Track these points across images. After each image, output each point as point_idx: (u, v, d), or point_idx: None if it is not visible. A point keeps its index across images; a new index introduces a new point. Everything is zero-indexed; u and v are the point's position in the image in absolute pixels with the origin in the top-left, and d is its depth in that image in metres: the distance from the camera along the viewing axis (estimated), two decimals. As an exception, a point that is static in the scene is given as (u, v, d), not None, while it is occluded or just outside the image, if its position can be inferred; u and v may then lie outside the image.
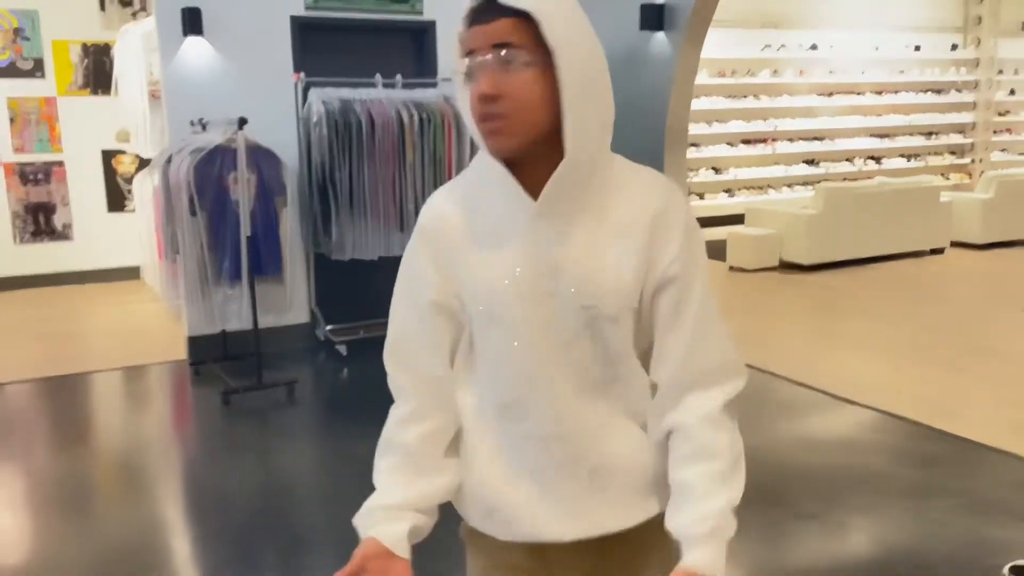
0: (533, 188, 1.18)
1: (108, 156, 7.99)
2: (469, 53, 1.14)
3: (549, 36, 1.10)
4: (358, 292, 6.12)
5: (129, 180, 8.03)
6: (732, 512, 1.18)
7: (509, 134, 1.14)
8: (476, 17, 1.13)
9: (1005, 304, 6.77)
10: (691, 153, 10.40)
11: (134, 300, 7.32)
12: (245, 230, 4.69)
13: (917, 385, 4.84)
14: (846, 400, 4.60)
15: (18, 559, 3.21)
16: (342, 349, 5.60)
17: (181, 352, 5.62)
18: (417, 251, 1.29)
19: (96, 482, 3.93)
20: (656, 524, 1.25)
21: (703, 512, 1.16)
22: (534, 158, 1.17)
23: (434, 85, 5.88)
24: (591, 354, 1.22)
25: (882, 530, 3.18)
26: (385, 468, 1.35)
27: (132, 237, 7.78)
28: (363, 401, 4.83)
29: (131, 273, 7.96)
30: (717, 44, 10.04)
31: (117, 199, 8.10)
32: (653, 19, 5.65)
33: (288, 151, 5.46)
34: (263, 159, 4.93)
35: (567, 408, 1.24)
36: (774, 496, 3.49)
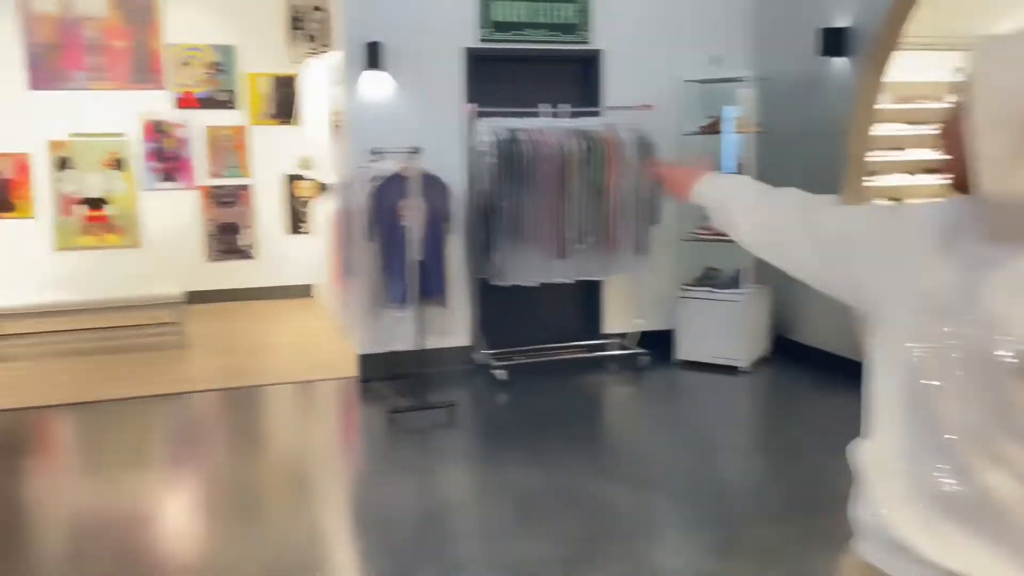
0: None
1: (290, 181, 8.53)
2: None
3: (973, 65, 1.14)
4: (518, 318, 6.19)
5: (307, 204, 8.53)
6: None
7: (947, 168, 1.23)
8: None
9: None
10: (868, 181, 9.85)
11: (307, 317, 7.74)
12: (414, 255, 4.85)
13: None
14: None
15: (190, 557, 3.43)
16: (501, 374, 5.67)
17: (351, 369, 5.88)
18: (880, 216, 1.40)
19: (267, 490, 4.16)
20: None
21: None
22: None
23: (599, 114, 5.89)
24: (985, 411, 1.14)
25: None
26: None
27: (307, 257, 8.25)
28: (519, 429, 4.86)
29: (304, 291, 8.44)
30: (900, 67, 9.49)
31: (296, 221, 8.62)
32: (833, 44, 5.42)
33: (456, 179, 5.62)
34: (433, 187, 5.10)
35: (950, 468, 1.18)
36: None
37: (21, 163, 7.79)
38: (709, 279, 6.03)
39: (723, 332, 5.84)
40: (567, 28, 5.97)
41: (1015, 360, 1.08)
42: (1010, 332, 1.08)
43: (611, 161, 5.63)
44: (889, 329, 1.24)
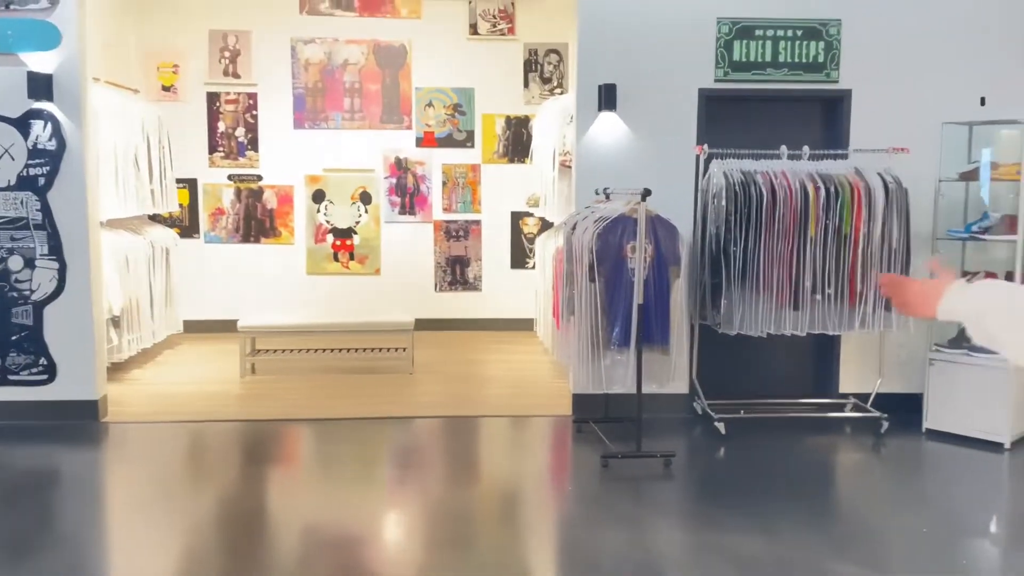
0: None
1: (516, 217, 8.77)
2: None
3: None
4: (741, 369, 5.89)
5: (532, 240, 8.71)
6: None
7: None
8: None
9: None
10: None
11: (526, 351, 7.86)
12: (639, 298, 4.76)
13: None
14: None
15: (415, 586, 3.51)
16: (720, 427, 5.40)
17: (565, 408, 5.86)
18: None
19: (479, 520, 4.20)
20: None
21: None
22: None
23: (845, 156, 5.51)
24: None
25: None
26: None
27: (529, 292, 8.41)
28: (740, 488, 4.58)
29: (526, 324, 8.59)
30: None
31: (519, 256, 8.83)
32: None
33: (685, 222, 5.47)
34: (661, 229, 4.99)
35: None
36: None
37: (286, 194, 8.62)
38: (967, 341, 5.40)
39: (982, 402, 5.20)
40: (812, 67, 5.66)
41: None
42: None
43: (857, 207, 5.23)
44: None
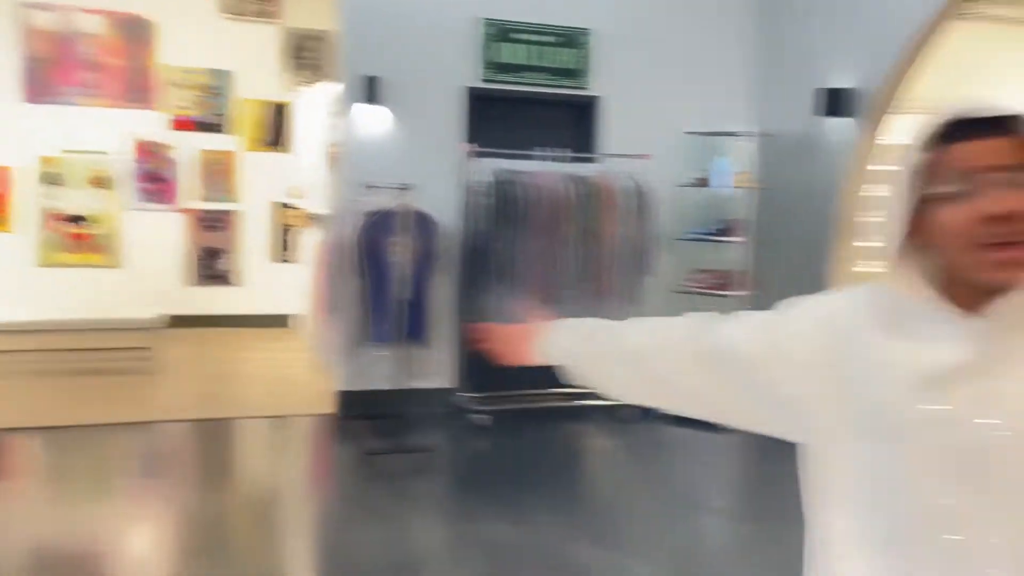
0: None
1: (278, 209, 8.43)
2: (967, 172, 1.00)
3: None
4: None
5: (295, 233, 8.42)
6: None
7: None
8: (965, 132, 1.01)
9: None
10: (859, 242, 9.88)
11: (286, 348, 7.58)
12: (402, 293, 4.74)
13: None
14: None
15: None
16: (483, 420, 5.53)
17: (328, 406, 5.72)
18: (811, 320, 1.14)
19: (232, 528, 3.98)
20: None
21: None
22: (966, 286, 1.02)
23: (596, 160, 5.85)
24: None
25: None
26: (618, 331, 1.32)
27: (290, 286, 8.12)
28: (496, 479, 4.71)
29: (287, 321, 8.28)
30: (897, 130, 9.56)
31: (281, 250, 8.50)
32: (828, 104, 5.41)
33: (449, 218, 5.53)
34: (424, 225, 5.01)
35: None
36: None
37: (3, 176, 7.65)
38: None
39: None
40: (568, 73, 5.94)
41: None
42: None
43: (606, 209, 5.56)
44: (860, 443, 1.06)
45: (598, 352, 1.34)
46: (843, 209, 5.48)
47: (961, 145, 1.01)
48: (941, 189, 1.01)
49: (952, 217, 1.00)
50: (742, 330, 1.21)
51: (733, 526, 4.41)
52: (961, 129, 1.02)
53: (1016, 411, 0.98)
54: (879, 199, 9.27)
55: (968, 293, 1.02)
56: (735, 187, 5.82)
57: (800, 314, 1.17)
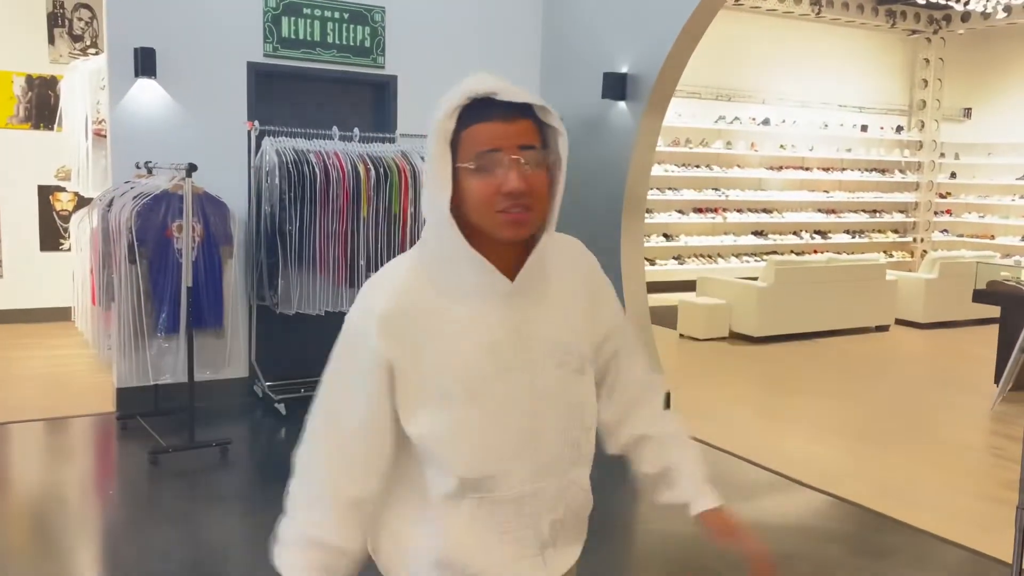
0: (501, 268, 1.29)
1: (45, 193, 7.68)
2: (490, 149, 1.22)
3: (561, 146, 1.28)
4: (301, 348, 5.87)
5: (66, 219, 7.71)
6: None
7: (530, 225, 1.26)
8: (490, 115, 1.22)
9: (949, 386, 6.85)
10: (648, 218, 10.46)
11: (62, 344, 6.95)
12: (187, 280, 4.47)
13: (868, 469, 4.79)
14: (797, 482, 4.52)
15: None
16: (281, 408, 5.35)
17: (108, 404, 5.31)
18: (370, 349, 1.29)
19: (4, 541, 3.60)
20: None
21: (699, 476, 1.47)
22: (497, 243, 1.27)
23: (392, 140, 5.78)
24: (567, 412, 1.36)
25: (839, 627, 3.07)
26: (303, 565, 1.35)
27: (65, 277, 7.44)
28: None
29: (61, 314, 7.58)
30: (673, 113, 10.20)
31: (52, 238, 7.76)
32: (615, 88, 5.67)
33: (237, 200, 5.28)
34: (210, 207, 4.74)
35: (544, 468, 1.34)
36: (728, 586, 3.36)
37: None
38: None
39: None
40: (360, 51, 5.82)
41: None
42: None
43: (404, 188, 5.52)
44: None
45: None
46: (631, 187, 5.76)
47: (483, 126, 1.22)
48: (467, 164, 1.23)
49: (476, 187, 1.23)
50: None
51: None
52: (482, 109, 1.22)
53: (547, 350, 1.32)
54: (661, 178, 9.81)
55: (496, 248, 1.27)
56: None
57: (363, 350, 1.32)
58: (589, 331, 1.39)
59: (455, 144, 1.24)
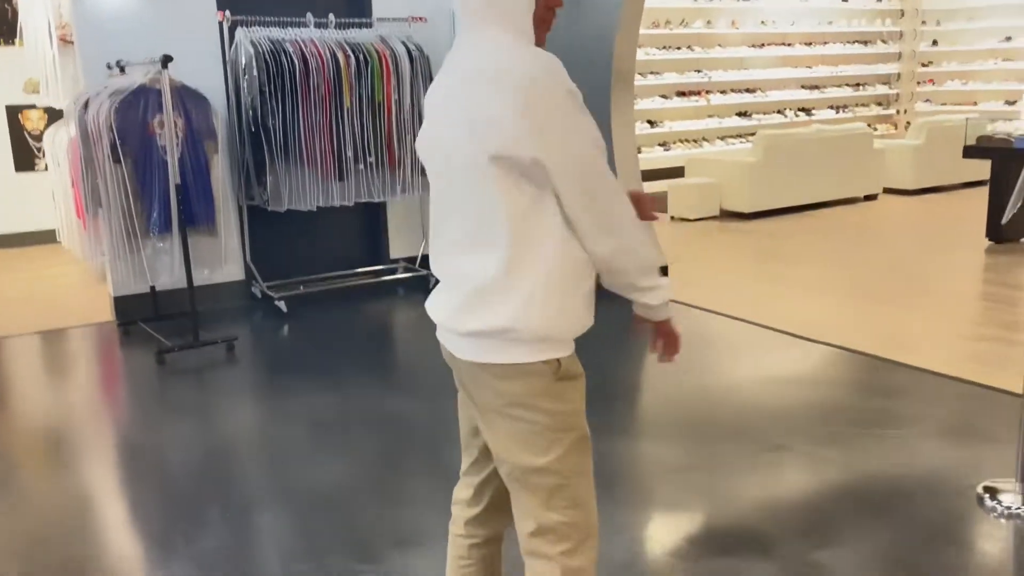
0: None
1: (14, 112, 7.44)
2: None
3: None
4: (295, 245, 5.84)
5: (39, 136, 7.49)
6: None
7: None
8: None
9: (942, 244, 6.90)
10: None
11: (51, 264, 6.86)
12: (174, 177, 4.37)
13: (868, 322, 4.86)
14: (801, 337, 4.58)
15: (-63, 533, 2.92)
16: (282, 306, 5.33)
17: (107, 313, 5.27)
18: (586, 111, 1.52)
19: (17, 455, 3.62)
20: None
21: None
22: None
23: (369, 25, 5.59)
24: None
25: (854, 458, 3.15)
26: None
27: (45, 198, 7.28)
28: (305, 359, 4.60)
29: (46, 237, 7.47)
30: (652, -7, 9.90)
31: (26, 158, 7.56)
32: (597, -45, 5.46)
33: (215, 95, 5.12)
34: (190, 101, 4.60)
35: None
36: (741, 431, 3.42)
37: None
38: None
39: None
40: (328, -69, 5.56)
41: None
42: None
43: (386, 75, 5.37)
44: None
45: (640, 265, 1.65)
46: (619, 61, 5.62)
47: None
48: None
49: (534, 4, 1.53)
50: None
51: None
52: None
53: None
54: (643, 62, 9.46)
55: None
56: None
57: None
58: None
59: None
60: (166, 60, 4.22)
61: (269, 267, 5.60)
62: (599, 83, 5.71)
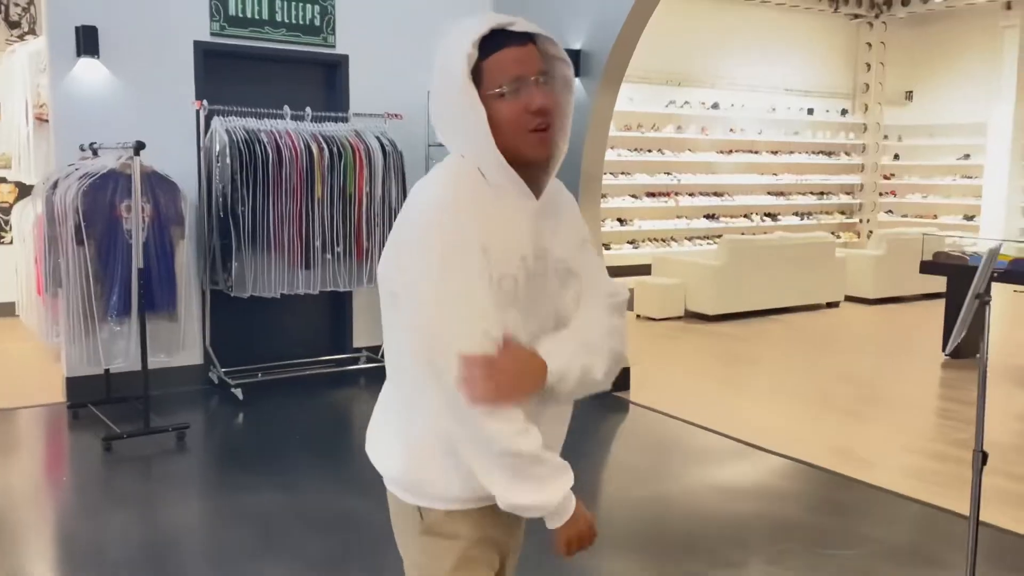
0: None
1: (-15, 183, 7.43)
2: (518, 74, 1.34)
3: (567, 72, 1.43)
4: (256, 332, 5.80)
5: (7, 210, 7.48)
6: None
7: (550, 143, 1.40)
8: (507, 43, 1.34)
9: (899, 355, 7.02)
10: (604, 201, 10.50)
11: (6, 339, 6.75)
12: (137, 262, 4.36)
13: (823, 433, 4.89)
14: (756, 447, 4.59)
15: None
16: (238, 393, 5.26)
17: (58, 394, 5.16)
18: (466, 223, 1.33)
19: (-50, 538, 3.48)
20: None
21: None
22: (520, 167, 1.39)
23: (345, 119, 5.72)
24: (556, 321, 1.46)
25: (803, 579, 3.12)
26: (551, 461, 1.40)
27: (7, 271, 7.20)
28: (259, 449, 4.51)
29: (6, 310, 7.36)
30: (624, 97, 10.25)
31: (-7, 230, 7.51)
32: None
33: (187, 181, 5.17)
34: (160, 187, 4.63)
35: None
36: (691, 544, 3.39)
37: None
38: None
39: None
40: (310, 29, 5.73)
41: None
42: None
43: (359, 168, 5.46)
44: None
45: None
46: (587, 167, 5.77)
47: (508, 51, 1.33)
48: (499, 89, 1.34)
49: (508, 110, 1.34)
50: None
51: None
52: (498, 39, 1.34)
53: (555, 266, 1.44)
54: (613, 163, 9.74)
55: (526, 171, 1.39)
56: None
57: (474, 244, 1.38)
58: (578, 254, 1.51)
59: (476, 72, 1.33)
60: (139, 147, 4.26)
61: (229, 352, 5.55)
62: (567, 184, 5.83)
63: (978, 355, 2.41)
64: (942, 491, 3.94)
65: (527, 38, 1.35)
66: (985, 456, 2.54)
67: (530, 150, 1.36)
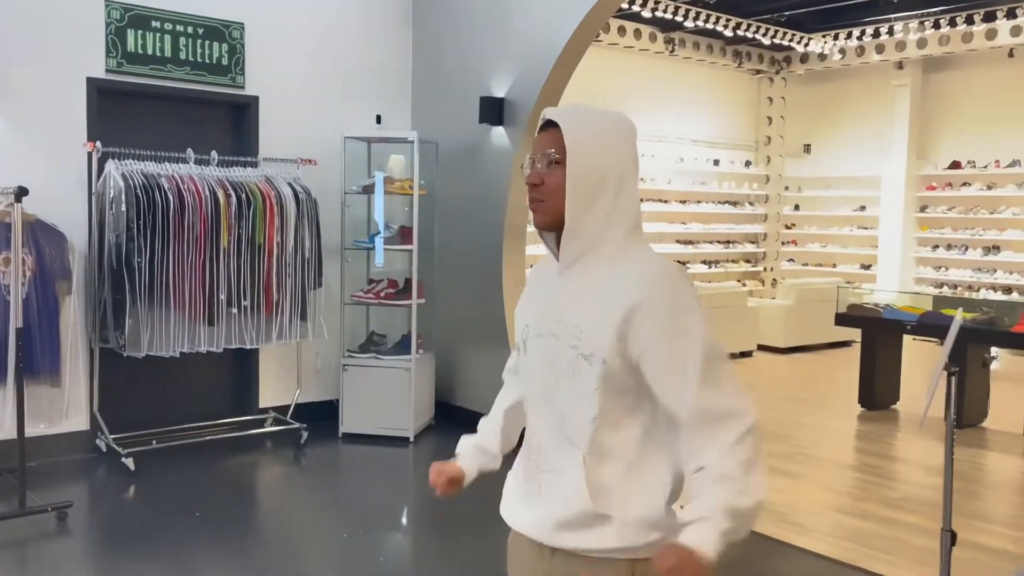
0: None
1: None
2: (530, 156, 1.58)
3: (566, 141, 1.52)
4: (151, 394, 5.32)
5: None
6: (729, 509, 1.42)
7: (542, 213, 1.56)
8: (540, 128, 1.59)
9: (816, 408, 7.05)
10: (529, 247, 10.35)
11: None
12: (16, 321, 3.88)
13: (756, 493, 4.76)
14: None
15: None
16: (129, 463, 4.76)
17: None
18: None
19: None
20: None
21: (696, 506, 1.46)
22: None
23: (255, 164, 5.37)
24: (564, 389, 1.54)
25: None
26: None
27: None
28: (152, 529, 4.04)
29: None
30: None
31: None
32: (492, 113, 5.51)
33: (77, 230, 4.71)
34: (44, 237, 4.18)
35: (549, 431, 1.59)
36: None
37: None
38: (375, 345, 5.72)
39: (389, 401, 5.54)
40: (217, 68, 5.39)
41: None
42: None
43: (270, 216, 5.11)
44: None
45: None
46: (511, 214, 5.59)
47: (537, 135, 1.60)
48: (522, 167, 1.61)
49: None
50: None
51: (414, 541, 4.23)
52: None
53: (567, 330, 1.53)
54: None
55: (550, 239, 1.61)
56: (403, 194, 5.68)
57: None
58: (618, 334, 1.47)
59: None
60: (20, 193, 3.82)
61: (119, 417, 5.04)
62: (492, 237, 5.65)
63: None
64: (875, 555, 3.84)
65: (550, 124, 1.56)
66: (954, 536, 2.42)
67: (534, 218, 1.58)
